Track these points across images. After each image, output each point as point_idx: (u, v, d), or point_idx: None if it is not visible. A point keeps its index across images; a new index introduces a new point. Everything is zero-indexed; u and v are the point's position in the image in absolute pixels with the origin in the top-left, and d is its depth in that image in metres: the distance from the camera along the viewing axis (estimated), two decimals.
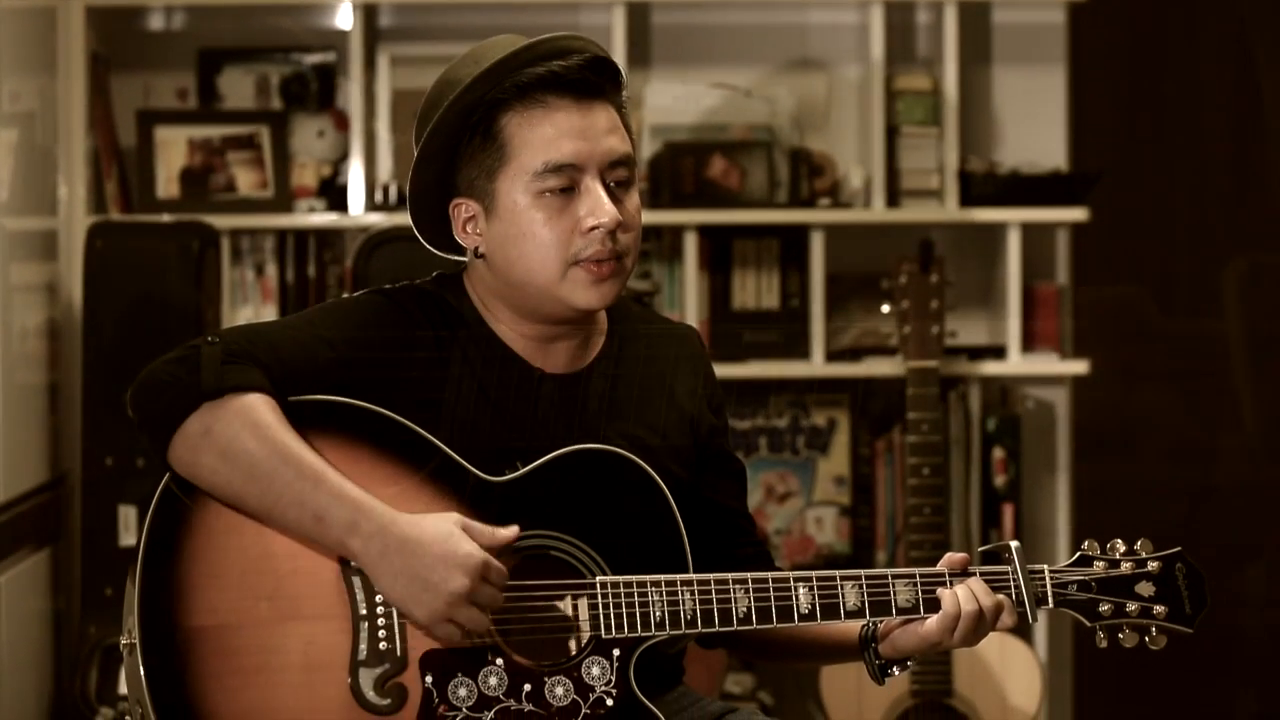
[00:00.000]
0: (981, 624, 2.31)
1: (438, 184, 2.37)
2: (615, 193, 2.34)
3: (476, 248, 2.38)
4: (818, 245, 4.36)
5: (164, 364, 2.25)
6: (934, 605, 2.32)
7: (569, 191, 2.32)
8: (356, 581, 2.23)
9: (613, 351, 2.45)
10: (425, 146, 2.35)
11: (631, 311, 2.53)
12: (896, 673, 2.40)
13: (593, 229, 2.31)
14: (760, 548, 2.52)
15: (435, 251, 2.44)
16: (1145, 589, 2.35)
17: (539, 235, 2.32)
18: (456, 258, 2.45)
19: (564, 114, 2.32)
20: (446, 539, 2.20)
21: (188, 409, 2.21)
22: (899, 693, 3.97)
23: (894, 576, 2.32)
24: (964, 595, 2.31)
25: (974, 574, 2.34)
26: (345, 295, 2.75)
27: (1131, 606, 2.34)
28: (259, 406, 2.22)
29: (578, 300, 2.34)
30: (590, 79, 2.32)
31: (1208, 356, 5.16)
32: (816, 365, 4.37)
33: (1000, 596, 2.33)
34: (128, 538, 3.87)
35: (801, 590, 2.30)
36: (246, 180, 4.35)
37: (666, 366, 2.49)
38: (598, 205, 2.32)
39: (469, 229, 2.38)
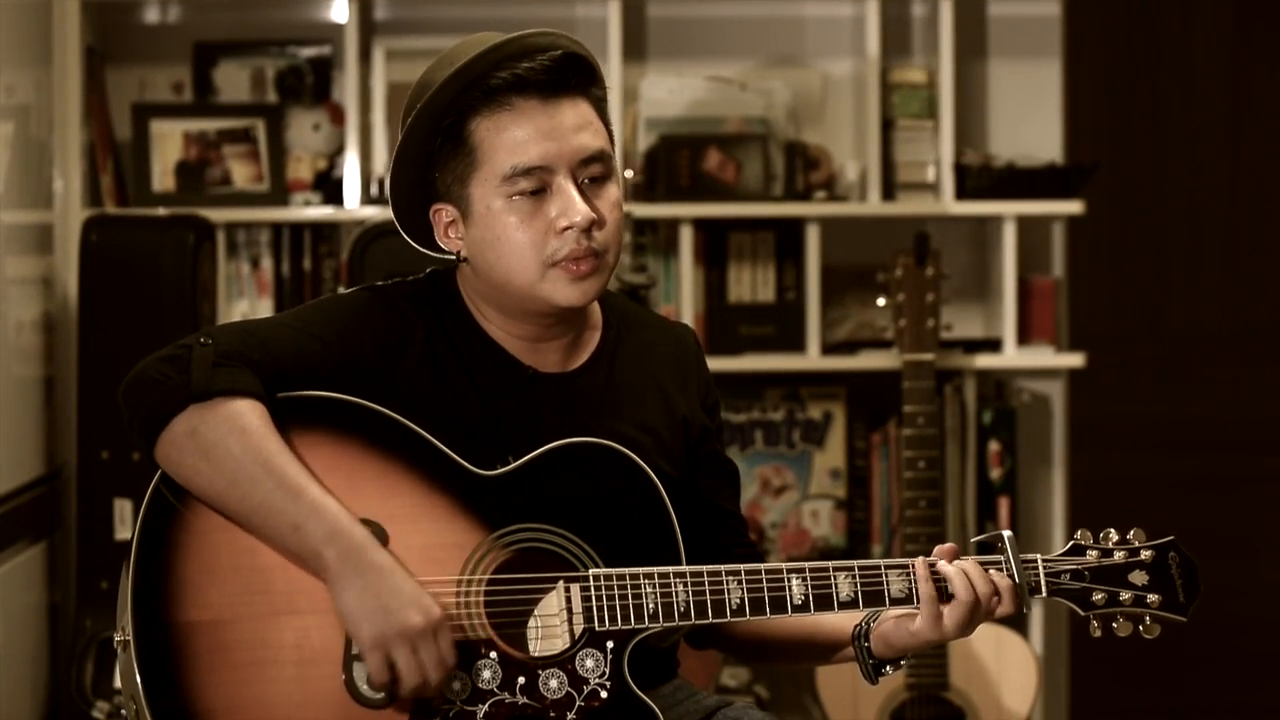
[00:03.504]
0: (976, 611, 2.30)
1: (418, 188, 2.37)
2: (589, 189, 2.34)
3: (459, 252, 2.38)
4: (813, 238, 4.35)
5: (155, 362, 2.25)
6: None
7: (540, 193, 2.32)
8: None
9: (607, 350, 2.45)
10: (400, 151, 2.35)
11: (629, 310, 2.52)
12: (889, 672, 2.39)
13: (565, 229, 2.31)
14: (752, 549, 2.52)
15: (425, 251, 2.44)
16: (1139, 578, 2.35)
17: (513, 239, 2.32)
18: (446, 257, 2.45)
19: (530, 116, 2.31)
20: (417, 587, 2.20)
21: (175, 409, 2.22)
22: (895, 686, 3.97)
23: (887, 567, 2.32)
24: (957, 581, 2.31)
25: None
26: (340, 291, 2.74)
27: (1125, 595, 2.34)
28: (246, 412, 2.22)
29: (559, 298, 2.34)
30: (556, 77, 2.31)
31: (1203, 348, 5.16)
32: (812, 358, 4.37)
33: (993, 576, 2.32)
34: (123, 531, 3.87)
35: (794, 581, 2.30)
36: (242, 173, 4.34)
37: (661, 366, 2.48)
38: (569, 206, 2.31)
39: (450, 233, 2.38)
